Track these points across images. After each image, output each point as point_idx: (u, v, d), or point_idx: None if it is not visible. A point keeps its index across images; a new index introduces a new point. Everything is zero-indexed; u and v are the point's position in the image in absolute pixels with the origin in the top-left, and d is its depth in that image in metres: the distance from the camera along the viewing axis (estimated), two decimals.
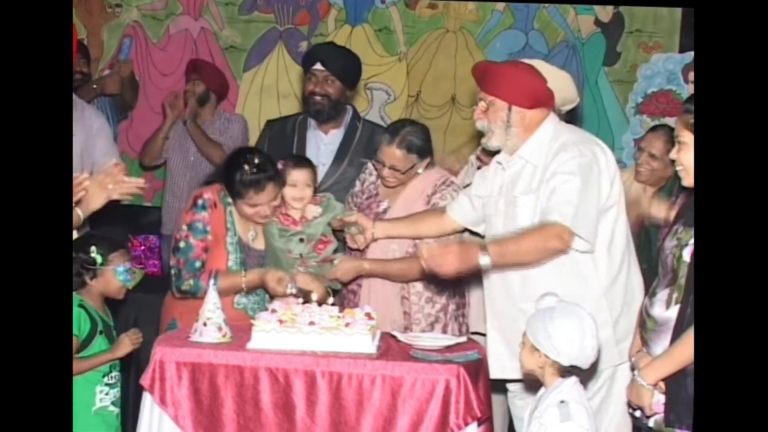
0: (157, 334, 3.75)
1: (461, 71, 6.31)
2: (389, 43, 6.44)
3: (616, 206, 3.46)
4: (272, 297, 3.77)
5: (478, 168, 4.01)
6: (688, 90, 5.97)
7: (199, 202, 3.78)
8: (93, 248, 3.64)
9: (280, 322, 3.29)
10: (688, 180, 2.88)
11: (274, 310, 3.39)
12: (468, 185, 3.97)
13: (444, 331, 3.84)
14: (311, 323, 3.28)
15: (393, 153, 3.83)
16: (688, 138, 2.83)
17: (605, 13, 6.26)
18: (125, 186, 3.36)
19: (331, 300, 3.49)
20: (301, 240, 3.81)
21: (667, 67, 6.09)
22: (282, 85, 6.48)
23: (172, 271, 3.78)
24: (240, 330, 3.41)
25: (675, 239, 2.95)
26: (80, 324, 3.59)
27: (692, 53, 5.87)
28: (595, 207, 3.36)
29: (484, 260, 3.31)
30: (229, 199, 3.79)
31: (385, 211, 3.96)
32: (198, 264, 3.74)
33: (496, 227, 3.54)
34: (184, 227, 3.77)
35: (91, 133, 4.70)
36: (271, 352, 3.24)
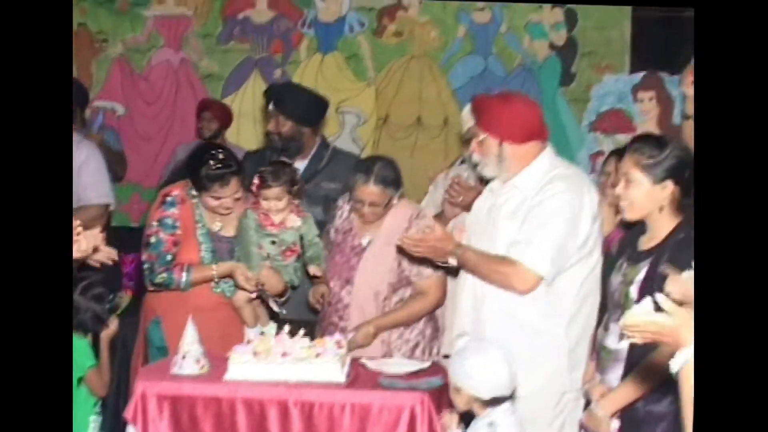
0: (138, 330, 3.97)
1: (426, 94, 6.65)
2: (359, 70, 6.73)
3: (597, 250, 3.45)
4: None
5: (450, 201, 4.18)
6: (637, 109, 6.32)
7: (168, 199, 3.95)
8: (114, 296, 3.82)
9: (255, 353, 3.42)
10: (631, 215, 3.03)
11: (249, 341, 3.57)
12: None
13: (423, 355, 3.96)
14: (284, 354, 3.40)
15: (371, 191, 3.88)
16: (638, 176, 2.96)
17: (559, 37, 6.53)
18: (101, 254, 3.31)
19: (287, 295, 3.76)
20: (273, 242, 3.99)
21: (617, 87, 6.38)
22: (258, 111, 6.69)
23: (145, 266, 3.93)
24: (218, 360, 3.54)
25: (621, 275, 3.05)
26: (85, 358, 3.75)
27: (641, 74, 6.25)
28: (565, 245, 3.35)
29: (451, 261, 3.48)
30: (195, 193, 3.95)
31: (369, 244, 4.04)
32: (169, 257, 3.90)
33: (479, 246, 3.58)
34: (155, 224, 3.93)
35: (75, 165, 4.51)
36: (246, 382, 3.36)
